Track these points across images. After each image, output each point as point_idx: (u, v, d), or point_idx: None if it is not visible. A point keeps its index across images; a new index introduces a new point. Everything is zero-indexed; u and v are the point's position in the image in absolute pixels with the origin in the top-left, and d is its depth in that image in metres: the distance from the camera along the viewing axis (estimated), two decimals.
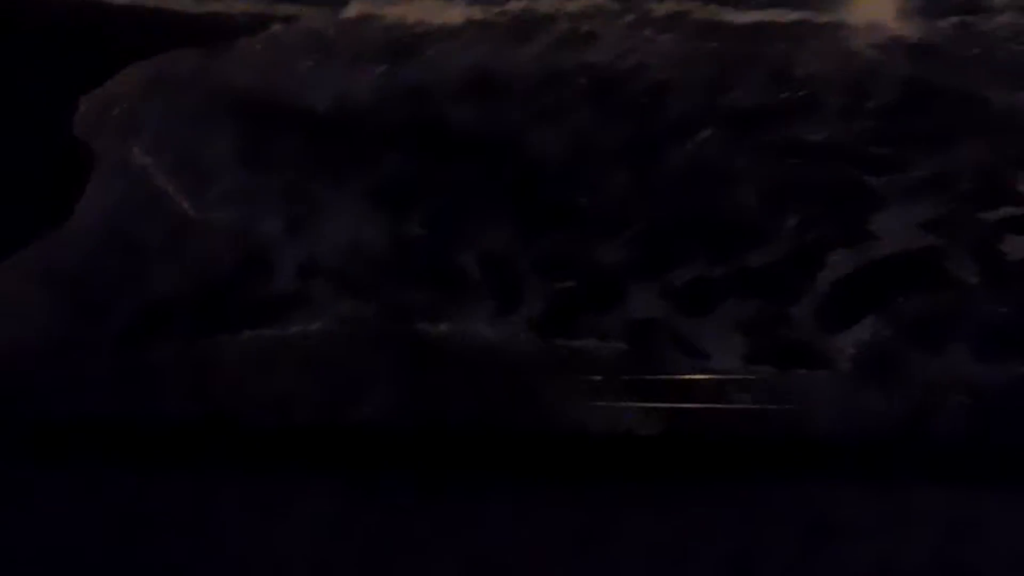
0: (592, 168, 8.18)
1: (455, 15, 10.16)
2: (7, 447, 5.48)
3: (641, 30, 10.29)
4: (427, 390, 6.26)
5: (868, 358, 4.48)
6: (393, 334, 6.99)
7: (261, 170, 8.93)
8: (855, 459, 3.91)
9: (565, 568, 4.20)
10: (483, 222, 7.49)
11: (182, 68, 9.10)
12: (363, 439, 5.81)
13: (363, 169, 8.89)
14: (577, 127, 8.67)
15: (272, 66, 9.91)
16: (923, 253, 4.73)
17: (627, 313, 5.96)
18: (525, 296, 6.24)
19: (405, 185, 8.76)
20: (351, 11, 9.48)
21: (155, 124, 8.33)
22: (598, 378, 5.52)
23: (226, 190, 8.29)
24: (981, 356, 4.09)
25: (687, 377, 5.14)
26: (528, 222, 7.02)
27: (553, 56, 10.36)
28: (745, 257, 5.89)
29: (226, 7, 9.97)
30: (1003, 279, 4.50)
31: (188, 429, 5.81)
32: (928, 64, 6.23)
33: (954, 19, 5.95)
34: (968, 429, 4.02)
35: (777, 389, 4.59)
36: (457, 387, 5.86)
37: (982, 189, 5.08)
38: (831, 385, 4.45)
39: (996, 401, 4.07)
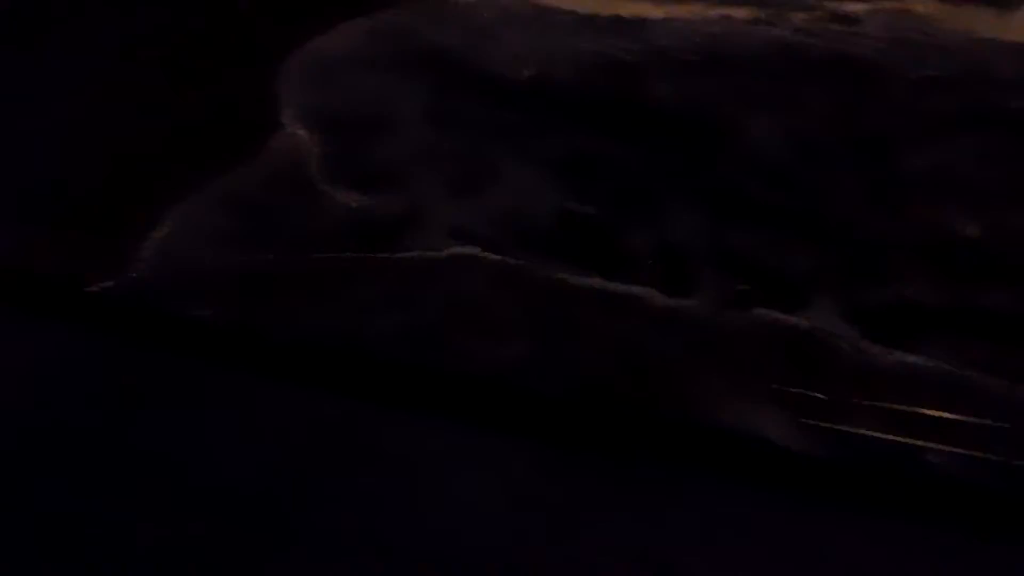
0: (811, 166, 6.93)
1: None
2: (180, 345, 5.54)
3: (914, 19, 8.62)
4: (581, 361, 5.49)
5: None
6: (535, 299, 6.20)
7: (444, 129, 8.63)
8: None
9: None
10: (665, 208, 6.58)
11: (390, 27, 9.08)
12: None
13: (550, 140, 8.24)
14: (809, 120, 7.38)
15: (479, 31, 9.69)
16: None
17: (804, 324, 4.86)
18: (692, 291, 5.40)
19: (589, 161, 8.03)
20: None
21: (352, 78, 8.27)
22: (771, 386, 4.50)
23: (405, 145, 8.06)
24: None
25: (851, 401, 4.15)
26: (718, 215, 6.07)
27: (795, 39, 9.02)
28: (975, 291, 4.70)
29: None
30: None
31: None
32: None
33: None
34: None
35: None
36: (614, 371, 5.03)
37: None
38: None
39: None
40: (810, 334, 4.92)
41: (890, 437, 3.71)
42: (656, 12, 11.51)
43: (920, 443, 3.59)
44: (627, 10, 12.42)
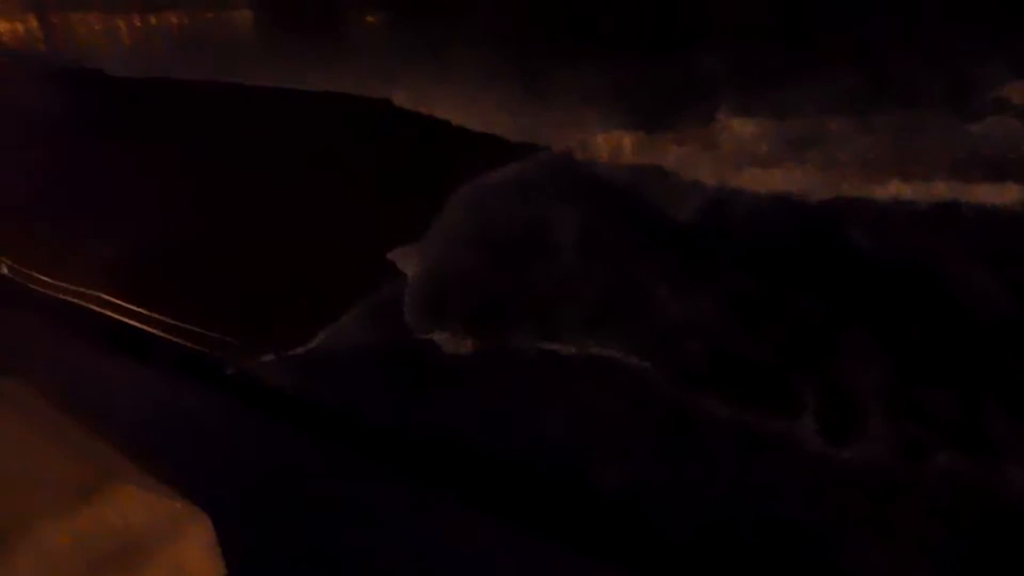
0: None
1: None
2: None
3: None
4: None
5: None
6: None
7: (599, 262, 9.79)
8: None
9: None
10: (840, 354, 6.72)
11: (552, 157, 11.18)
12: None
13: (715, 276, 9.09)
14: None
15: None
16: None
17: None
18: (857, 440, 5.43)
19: (759, 301, 8.52)
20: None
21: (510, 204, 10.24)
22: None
23: (558, 269, 9.22)
24: None
25: None
26: (904, 367, 6.19)
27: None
28: None
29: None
30: None
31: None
32: None
33: None
34: None
35: None
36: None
37: None
38: None
39: None
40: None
41: None
42: None
43: None
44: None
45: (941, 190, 11.91)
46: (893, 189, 12.24)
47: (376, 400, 8.41)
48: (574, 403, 8.20)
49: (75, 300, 10.55)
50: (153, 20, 59.78)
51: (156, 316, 9.92)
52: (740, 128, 17.02)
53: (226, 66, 28.86)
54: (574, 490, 6.57)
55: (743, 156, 15.11)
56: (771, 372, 8.37)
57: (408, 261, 12.23)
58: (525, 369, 9.35)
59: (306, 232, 13.00)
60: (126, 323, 9.95)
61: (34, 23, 67.72)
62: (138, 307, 10.16)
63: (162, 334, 9.61)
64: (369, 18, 50.11)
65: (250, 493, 6.00)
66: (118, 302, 10.26)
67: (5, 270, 11.75)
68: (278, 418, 7.79)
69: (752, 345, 8.60)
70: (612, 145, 16.28)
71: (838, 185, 12.67)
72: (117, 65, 32.39)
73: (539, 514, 6.07)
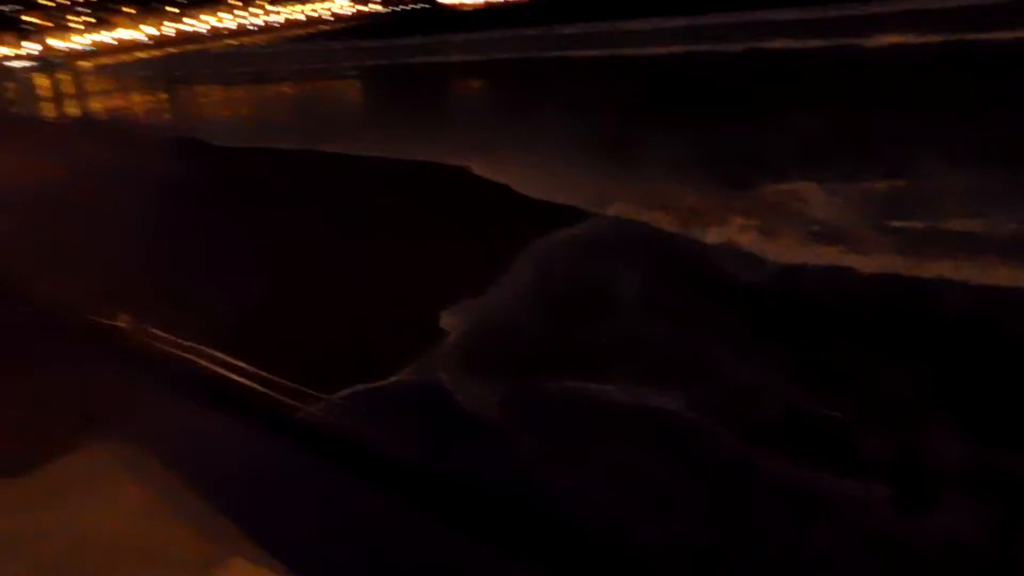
0: None
1: None
2: None
3: None
4: None
5: None
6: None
7: (661, 320, 10.09)
8: None
9: None
10: (921, 422, 6.54)
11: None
12: None
13: (786, 342, 9.14)
14: None
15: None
16: None
17: None
18: (933, 510, 5.32)
19: (832, 366, 8.52)
20: None
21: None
22: None
23: (625, 325, 9.53)
24: None
25: None
26: (989, 437, 6.03)
27: None
28: None
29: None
30: None
31: None
32: None
33: None
34: None
35: None
36: None
37: None
38: None
39: None
40: None
41: None
42: None
43: None
44: None
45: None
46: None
47: (439, 451, 8.49)
48: (624, 455, 8.12)
49: (186, 355, 10.97)
50: (270, 91, 63.38)
51: (256, 371, 10.20)
52: (814, 196, 16.91)
53: (321, 136, 30.85)
54: (617, 547, 6.41)
55: (818, 225, 14.97)
56: (842, 433, 8.05)
57: (473, 311, 12.70)
58: (575, 417, 9.37)
59: (388, 288, 13.53)
60: (231, 378, 10.26)
61: (163, 95, 72.91)
62: (240, 361, 10.48)
63: (262, 389, 9.85)
64: (462, 89, 51.84)
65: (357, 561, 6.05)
66: (223, 356, 10.62)
67: (125, 326, 12.35)
68: (368, 476, 7.82)
69: (823, 407, 8.27)
70: (683, 209, 16.41)
71: (920, 262, 12.39)
72: (229, 135, 34.92)
73: (586, 570, 6.06)
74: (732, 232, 14.87)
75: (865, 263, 12.84)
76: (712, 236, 14.84)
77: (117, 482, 1.42)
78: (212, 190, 22.46)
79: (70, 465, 1.42)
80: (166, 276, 15.08)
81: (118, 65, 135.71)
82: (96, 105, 73.40)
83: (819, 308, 11.27)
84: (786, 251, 13.59)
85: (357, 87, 60.11)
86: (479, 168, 21.96)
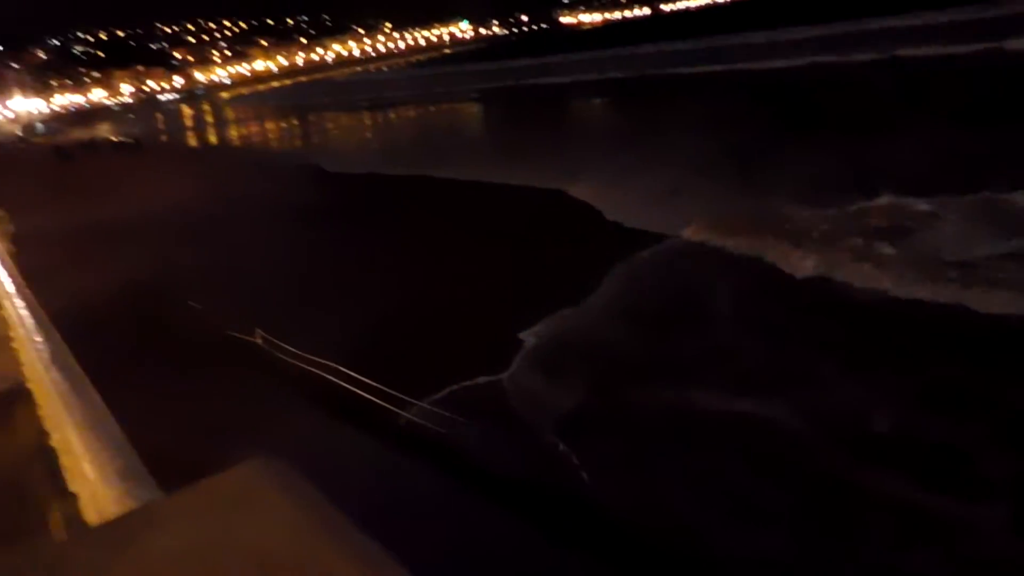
0: None
1: None
2: None
3: None
4: None
5: None
6: None
7: (758, 335, 9.97)
8: None
9: None
10: None
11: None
12: None
13: (893, 361, 8.97)
14: None
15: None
16: None
17: None
18: None
19: (943, 386, 8.29)
20: None
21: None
22: None
23: (721, 338, 9.55)
24: None
25: None
26: None
27: None
28: None
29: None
30: None
31: None
32: None
33: None
34: None
35: None
36: None
37: None
38: None
39: None
40: None
41: None
42: None
43: None
44: None
45: None
46: None
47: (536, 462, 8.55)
48: (718, 466, 7.92)
49: (315, 370, 11.47)
50: (388, 116, 65.67)
51: (381, 387, 10.52)
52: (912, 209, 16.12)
53: (433, 161, 31.92)
54: (703, 558, 6.27)
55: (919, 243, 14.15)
56: (958, 454, 7.53)
57: (565, 325, 12.99)
58: (668, 428, 9.24)
59: (484, 302, 13.91)
60: (360, 395, 10.63)
61: (289, 122, 76.79)
62: (365, 377, 10.84)
63: (386, 404, 10.15)
64: (573, 109, 52.01)
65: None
66: (349, 372, 11.02)
67: (260, 341, 13.06)
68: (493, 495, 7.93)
69: (939, 426, 7.76)
70: (786, 233, 15.82)
71: None
72: (346, 162, 36.67)
73: None
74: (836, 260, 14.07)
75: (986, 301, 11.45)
76: (808, 265, 14.16)
77: (268, 496, 1.53)
78: (328, 215, 23.46)
79: (225, 479, 1.54)
80: (287, 295, 15.85)
81: (251, 95, 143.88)
82: (231, 133, 77.97)
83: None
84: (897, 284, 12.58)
85: (472, 110, 61.38)
86: (576, 192, 22.21)
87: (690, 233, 17.00)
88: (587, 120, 46.80)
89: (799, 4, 77.12)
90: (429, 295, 15.02)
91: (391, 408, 10.16)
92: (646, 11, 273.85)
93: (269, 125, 77.97)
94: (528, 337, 12.44)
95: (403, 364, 11.58)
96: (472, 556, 6.52)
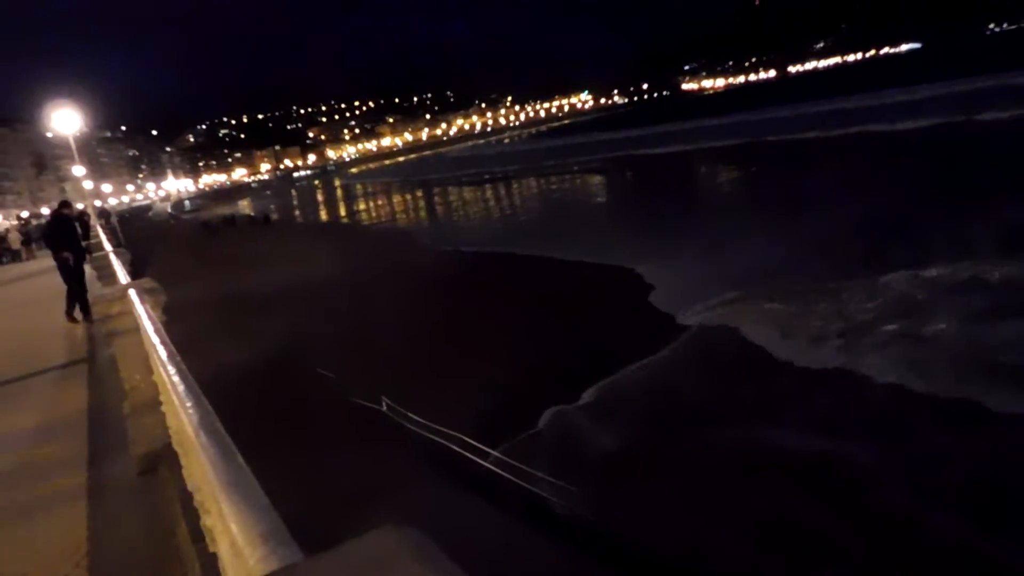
0: None
1: None
2: None
3: None
4: None
5: None
6: None
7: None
8: None
9: None
10: None
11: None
12: None
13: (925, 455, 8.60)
14: None
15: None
16: None
17: None
18: None
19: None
20: None
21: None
22: None
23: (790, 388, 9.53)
24: None
25: None
26: None
27: None
28: None
29: None
30: None
31: None
32: None
33: None
34: None
35: None
36: None
37: None
38: None
39: None
40: None
41: None
42: None
43: None
44: None
45: None
46: None
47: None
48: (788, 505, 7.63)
49: (439, 439, 11.66)
50: (495, 190, 67.23)
51: (502, 458, 10.58)
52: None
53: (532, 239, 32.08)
54: None
55: None
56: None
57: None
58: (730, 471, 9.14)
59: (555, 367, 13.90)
60: (481, 464, 10.71)
61: (404, 196, 79.88)
62: (489, 448, 10.93)
63: (509, 476, 10.18)
64: (677, 180, 51.67)
65: None
66: (471, 441, 11.14)
67: (384, 408, 13.41)
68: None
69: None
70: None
71: None
72: (452, 239, 37.64)
73: None
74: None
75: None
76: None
77: (405, 564, 1.56)
78: (434, 289, 24.09)
79: (362, 543, 1.59)
80: (405, 366, 16.25)
81: (375, 170, 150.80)
82: (357, 207, 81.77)
83: None
84: None
85: (580, 182, 61.91)
86: (644, 271, 22.66)
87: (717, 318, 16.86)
88: (682, 190, 46.04)
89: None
90: (516, 358, 15.25)
91: (504, 475, 10.20)
92: (771, 74, 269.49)
93: (387, 199, 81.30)
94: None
95: (499, 424, 11.79)
96: None
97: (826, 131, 53.57)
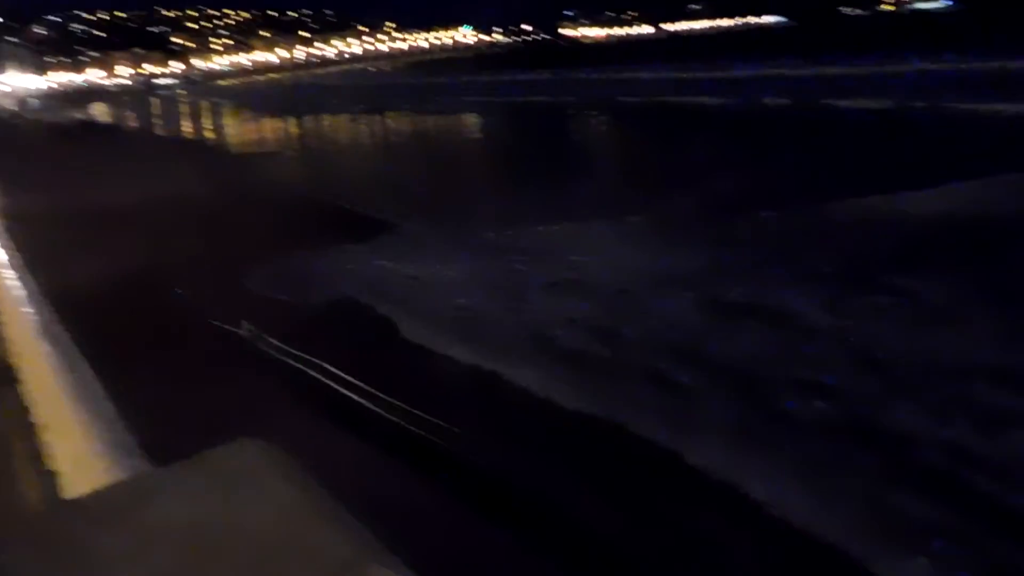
0: None
1: None
2: None
3: None
4: None
5: None
6: None
7: None
8: None
9: None
10: None
11: None
12: None
13: None
14: None
15: None
16: None
17: None
18: None
19: None
20: None
21: None
22: None
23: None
24: None
25: None
26: None
27: None
28: None
29: None
30: None
31: None
32: None
33: None
34: None
35: None
36: None
37: None
38: None
39: None
40: None
41: None
42: None
43: None
44: None
45: None
46: None
47: None
48: None
49: (304, 367, 11.39)
50: (379, 124, 65.24)
51: (375, 392, 10.36)
52: None
53: None
54: None
55: None
56: None
57: None
58: None
59: None
60: (350, 397, 10.47)
61: (273, 121, 76.62)
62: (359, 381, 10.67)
63: (378, 409, 10.01)
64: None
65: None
66: (340, 373, 10.88)
67: (245, 332, 13.04)
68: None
69: None
70: None
71: None
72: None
73: None
74: None
75: None
76: None
77: (260, 474, 1.53)
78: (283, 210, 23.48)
79: (216, 455, 1.54)
80: (268, 287, 15.79)
81: (244, 86, 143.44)
82: (219, 123, 77.83)
83: None
84: None
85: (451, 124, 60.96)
86: None
87: None
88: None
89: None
90: None
91: (374, 409, 10.09)
92: (650, 30, 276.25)
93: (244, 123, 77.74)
94: None
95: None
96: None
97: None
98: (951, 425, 7.73)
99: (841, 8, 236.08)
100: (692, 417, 8.43)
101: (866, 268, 13.64)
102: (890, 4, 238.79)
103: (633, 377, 9.69)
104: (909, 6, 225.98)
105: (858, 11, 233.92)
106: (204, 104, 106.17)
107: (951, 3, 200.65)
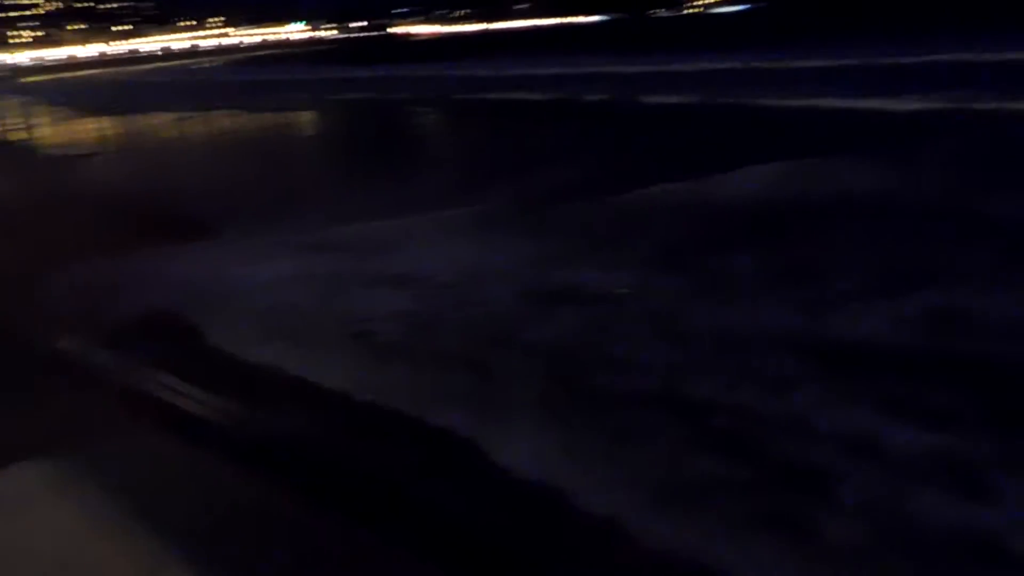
0: None
1: None
2: None
3: None
4: None
5: None
6: None
7: None
8: None
9: None
10: None
11: None
12: None
13: None
14: None
15: None
16: None
17: None
18: None
19: None
20: None
21: None
22: None
23: None
24: None
25: None
26: None
27: None
28: None
29: None
30: None
31: None
32: None
33: None
34: None
35: None
36: None
37: None
38: None
39: None
40: None
41: None
42: None
43: None
44: None
45: None
46: None
47: None
48: None
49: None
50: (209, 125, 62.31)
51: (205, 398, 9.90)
52: None
53: None
54: None
55: None
56: None
57: None
58: None
59: None
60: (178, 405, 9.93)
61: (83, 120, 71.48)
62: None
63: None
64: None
65: None
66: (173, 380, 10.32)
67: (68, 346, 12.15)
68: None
69: None
70: None
71: None
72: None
73: None
74: None
75: None
76: None
77: (54, 502, 1.44)
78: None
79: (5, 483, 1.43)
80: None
81: (56, 82, 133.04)
82: (29, 123, 71.92)
83: None
84: None
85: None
86: None
87: None
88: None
89: None
90: None
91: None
92: (481, 27, 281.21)
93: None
94: None
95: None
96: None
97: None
98: (739, 389, 8.40)
99: (651, 11, 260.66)
100: (491, 400, 8.70)
101: (678, 249, 14.49)
102: (695, 7, 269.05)
103: (443, 367, 9.88)
104: (709, 9, 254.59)
105: (666, 13, 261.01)
106: (11, 102, 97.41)
107: (748, 7, 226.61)
